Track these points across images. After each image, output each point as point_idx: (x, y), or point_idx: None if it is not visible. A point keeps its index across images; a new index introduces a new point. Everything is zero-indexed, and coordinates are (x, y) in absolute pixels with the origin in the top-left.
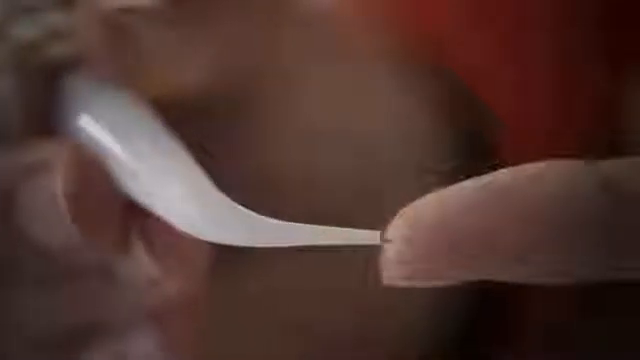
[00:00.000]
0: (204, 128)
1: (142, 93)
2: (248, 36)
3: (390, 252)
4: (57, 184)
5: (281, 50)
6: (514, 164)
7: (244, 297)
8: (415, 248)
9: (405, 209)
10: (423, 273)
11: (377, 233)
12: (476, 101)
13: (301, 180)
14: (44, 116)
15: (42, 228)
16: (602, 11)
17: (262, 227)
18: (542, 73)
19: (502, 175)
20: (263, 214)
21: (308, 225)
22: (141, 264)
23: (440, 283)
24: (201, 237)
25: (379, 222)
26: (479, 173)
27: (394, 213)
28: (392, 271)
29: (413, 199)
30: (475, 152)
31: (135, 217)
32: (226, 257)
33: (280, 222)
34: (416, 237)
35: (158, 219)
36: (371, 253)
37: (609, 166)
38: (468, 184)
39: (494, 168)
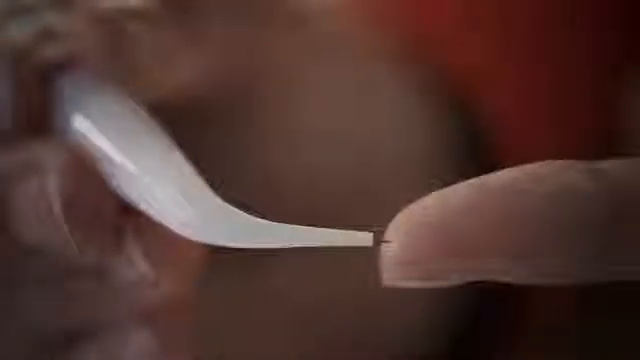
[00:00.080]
0: (201, 129)
1: (137, 94)
2: (245, 36)
3: (390, 253)
4: (51, 185)
5: (279, 50)
6: (514, 164)
7: (244, 297)
8: (415, 249)
9: (405, 209)
10: (423, 274)
11: (371, 235)
12: (476, 103)
13: (301, 180)
14: (39, 117)
15: (36, 229)
16: (602, 11)
17: (256, 229)
18: (542, 73)
19: (502, 175)
20: (263, 214)
21: (303, 227)
22: (135, 265)
23: (440, 284)
24: (195, 238)
25: (379, 222)
26: (479, 173)
27: (394, 213)
28: (392, 272)
29: (413, 199)
30: (475, 152)
31: (129, 218)
32: (226, 257)
33: (275, 224)
34: (416, 238)
35: (152, 220)
36: (371, 254)
37: (609, 166)
38: (468, 184)
39: (494, 168)
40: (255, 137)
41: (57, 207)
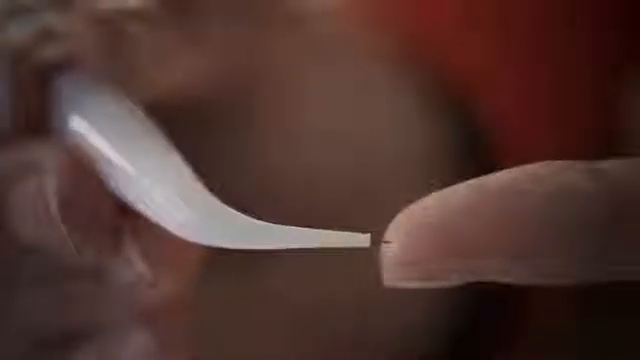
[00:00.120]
0: (200, 130)
1: (136, 95)
2: (245, 37)
3: (390, 253)
4: (49, 185)
5: (279, 51)
6: (514, 164)
7: (242, 298)
8: (415, 249)
9: (405, 210)
10: (423, 274)
11: (369, 236)
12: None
13: (300, 180)
14: (37, 117)
15: (33, 229)
16: (602, 11)
17: (254, 230)
18: (542, 73)
19: (502, 175)
20: (262, 215)
21: (302, 228)
22: (133, 266)
23: (440, 284)
24: (193, 239)
25: (379, 222)
26: (479, 173)
27: (394, 214)
28: (392, 272)
29: (413, 200)
30: (475, 152)
31: (127, 219)
32: (224, 258)
33: (273, 225)
34: (416, 238)
35: (150, 221)
36: (371, 254)
37: (609, 166)
38: (468, 184)
39: (494, 168)
40: (254, 138)
41: (55, 207)
